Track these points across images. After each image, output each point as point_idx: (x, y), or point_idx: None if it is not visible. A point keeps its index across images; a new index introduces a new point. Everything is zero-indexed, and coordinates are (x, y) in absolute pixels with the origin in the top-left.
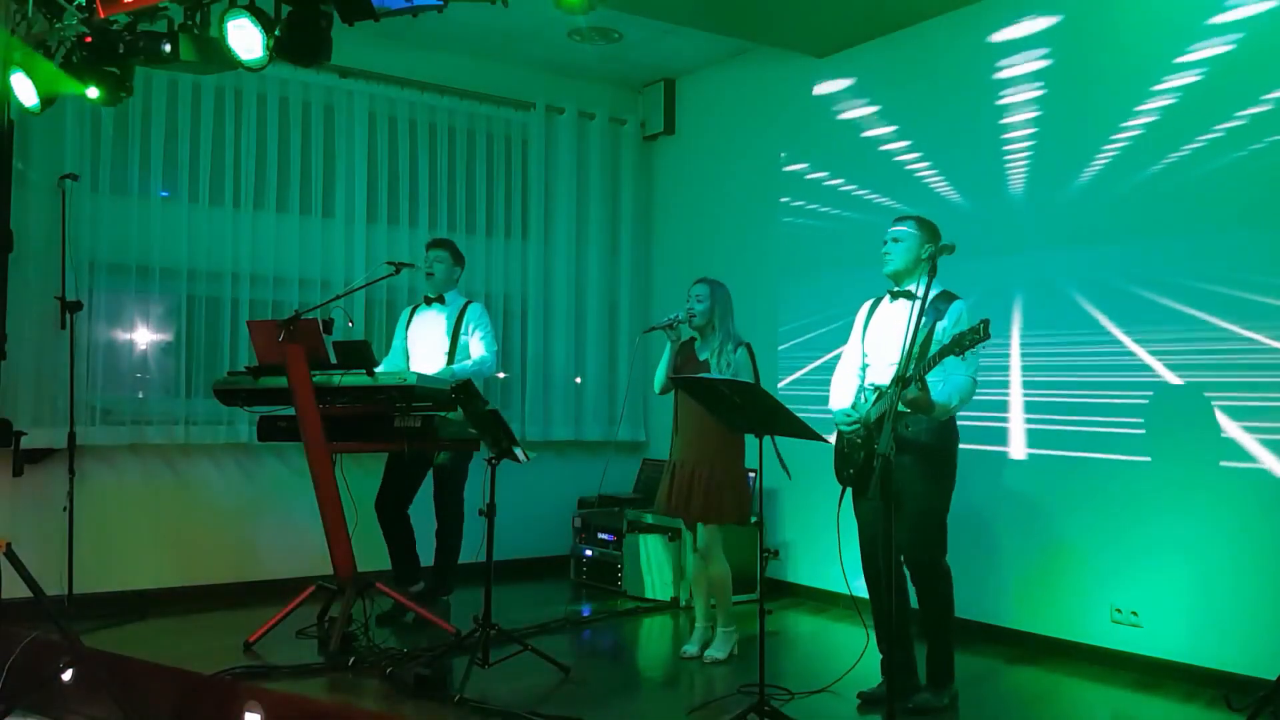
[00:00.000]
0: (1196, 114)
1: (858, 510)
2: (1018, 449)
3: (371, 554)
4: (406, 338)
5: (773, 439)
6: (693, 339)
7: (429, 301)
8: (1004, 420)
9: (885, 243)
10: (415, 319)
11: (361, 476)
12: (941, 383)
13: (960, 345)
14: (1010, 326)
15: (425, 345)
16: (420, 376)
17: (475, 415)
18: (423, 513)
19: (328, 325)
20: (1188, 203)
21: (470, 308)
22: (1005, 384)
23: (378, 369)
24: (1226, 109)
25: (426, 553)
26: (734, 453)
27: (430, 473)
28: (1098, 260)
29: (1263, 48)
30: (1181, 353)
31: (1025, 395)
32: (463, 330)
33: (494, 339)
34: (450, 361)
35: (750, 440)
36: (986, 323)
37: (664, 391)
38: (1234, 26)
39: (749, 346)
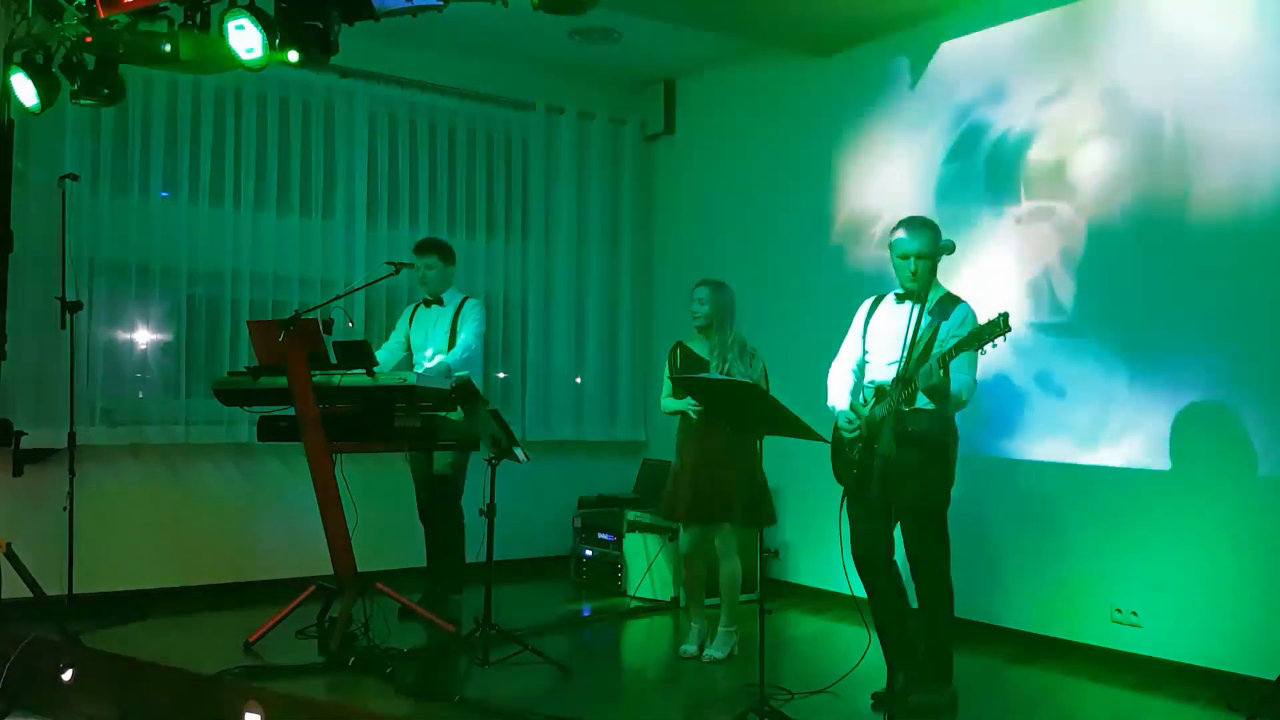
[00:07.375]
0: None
1: (851, 512)
2: (1018, 450)
3: (371, 554)
4: (408, 334)
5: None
6: (682, 342)
7: (428, 304)
8: (1003, 420)
9: (908, 258)
10: (417, 318)
11: (361, 476)
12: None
13: (979, 339)
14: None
15: (428, 344)
16: (420, 376)
17: (475, 415)
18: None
19: (328, 325)
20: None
21: (466, 303)
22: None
23: (376, 366)
24: None
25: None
26: (742, 453)
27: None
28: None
29: None
30: (1179, 354)
31: (1025, 395)
32: (459, 326)
33: (481, 326)
34: None
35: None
36: (1006, 316)
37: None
38: None
39: (760, 359)
